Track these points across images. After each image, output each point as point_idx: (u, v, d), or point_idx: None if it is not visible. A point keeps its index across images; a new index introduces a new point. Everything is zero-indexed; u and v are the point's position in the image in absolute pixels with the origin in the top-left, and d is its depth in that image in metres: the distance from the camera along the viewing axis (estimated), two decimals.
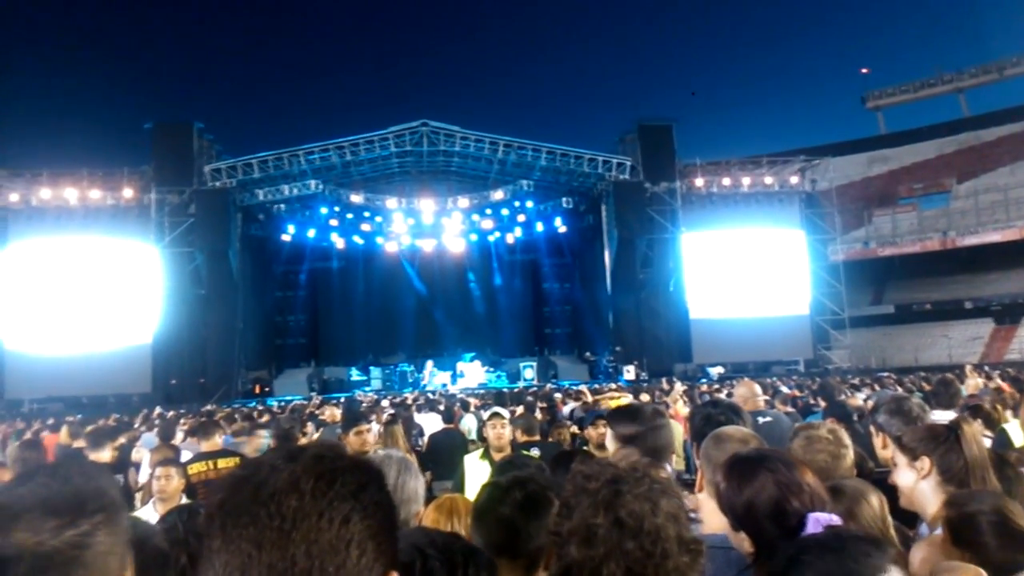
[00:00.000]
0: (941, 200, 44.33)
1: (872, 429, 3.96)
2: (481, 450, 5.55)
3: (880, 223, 43.85)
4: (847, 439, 3.40)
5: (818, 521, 1.73)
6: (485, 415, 5.98)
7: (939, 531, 2.46)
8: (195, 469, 5.73)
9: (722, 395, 11.22)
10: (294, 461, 0.93)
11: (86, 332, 27.13)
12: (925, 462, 2.57)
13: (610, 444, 3.32)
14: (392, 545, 0.96)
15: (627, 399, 8.75)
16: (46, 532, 1.07)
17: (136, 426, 11.67)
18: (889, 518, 2.57)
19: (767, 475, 1.85)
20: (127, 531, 1.20)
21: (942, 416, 4.84)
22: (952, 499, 2.30)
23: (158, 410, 16.63)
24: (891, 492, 2.68)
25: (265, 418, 11.90)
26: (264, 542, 0.86)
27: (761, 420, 4.94)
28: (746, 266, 31.25)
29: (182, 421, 11.66)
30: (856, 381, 15.37)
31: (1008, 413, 6.17)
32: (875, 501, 2.58)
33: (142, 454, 7.30)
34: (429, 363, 30.61)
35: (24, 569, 1.00)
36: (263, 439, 7.05)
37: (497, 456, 5.21)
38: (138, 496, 6.13)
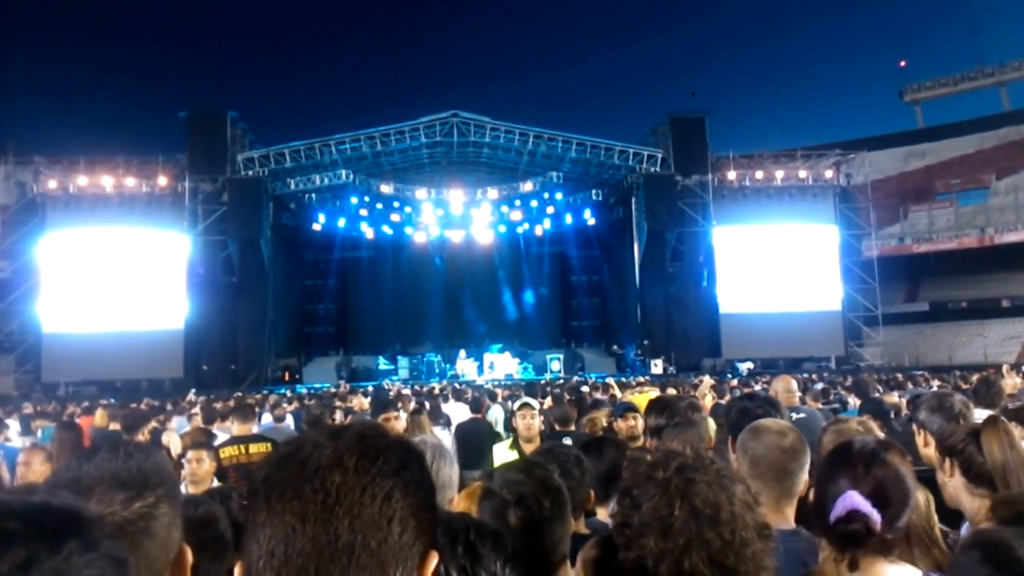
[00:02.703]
0: (980, 196, 43.39)
1: (914, 427, 3.89)
2: (510, 440, 5.53)
3: (916, 219, 43.06)
4: (878, 432, 3.36)
5: (844, 500, 1.73)
6: (514, 405, 5.96)
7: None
8: (226, 453, 5.78)
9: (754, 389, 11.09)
10: (338, 438, 0.94)
11: (120, 318, 27.65)
12: (947, 463, 2.54)
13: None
14: (432, 524, 0.97)
15: (655, 394, 8.69)
16: (117, 504, 1.13)
17: (167, 410, 11.84)
18: (935, 517, 2.52)
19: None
20: (181, 505, 1.26)
21: (985, 415, 4.74)
22: (1004, 499, 2.24)
23: (191, 395, 16.86)
24: (934, 491, 2.63)
25: (294, 405, 12.01)
26: (308, 516, 0.87)
27: (795, 416, 4.88)
28: (778, 261, 30.91)
29: (206, 405, 11.81)
30: (891, 378, 15.12)
31: None
32: (921, 499, 2.53)
33: (171, 438, 7.40)
34: (462, 352, 30.73)
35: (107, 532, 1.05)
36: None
37: (526, 446, 5.19)
38: None
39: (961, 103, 54.32)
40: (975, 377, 8.48)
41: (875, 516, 1.72)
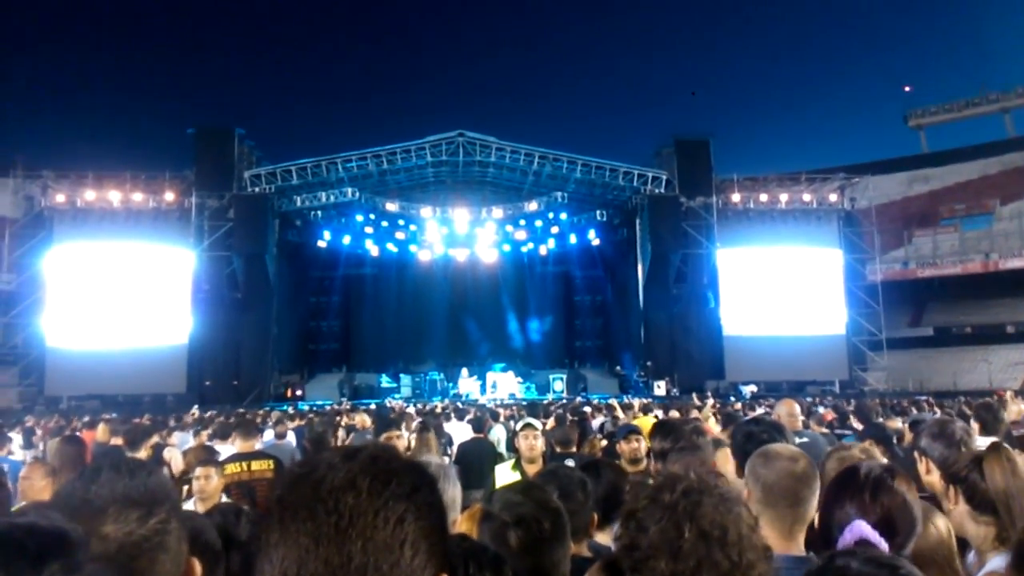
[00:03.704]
0: (984, 221, 43.38)
1: (916, 454, 3.89)
2: (513, 461, 5.51)
3: (920, 243, 43.03)
4: (881, 459, 3.35)
5: (852, 530, 1.73)
6: (517, 426, 5.95)
7: (998, 561, 2.40)
8: (229, 470, 5.75)
9: (756, 413, 11.04)
10: (351, 460, 0.95)
11: (124, 332, 27.71)
12: (951, 490, 2.55)
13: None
14: (443, 547, 0.97)
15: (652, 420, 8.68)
16: (133, 522, 1.17)
17: (170, 425, 11.83)
18: (954, 544, 2.52)
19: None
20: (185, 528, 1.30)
21: (987, 442, 4.72)
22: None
23: (195, 411, 16.85)
24: None
25: (296, 422, 11.99)
26: (322, 537, 0.88)
27: (798, 440, 4.87)
28: (782, 284, 30.88)
29: (217, 421, 11.79)
30: (895, 403, 15.06)
31: None
32: (942, 524, 2.53)
33: (172, 454, 7.39)
34: (464, 371, 30.68)
35: (114, 554, 1.08)
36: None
37: (529, 467, 5.17)
38: None
39: (965, 129, 54.51)
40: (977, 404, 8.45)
41: (883, 546, 1.72)
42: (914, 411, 12.25)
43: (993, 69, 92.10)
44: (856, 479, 1.96)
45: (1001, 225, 42.16)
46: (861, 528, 1.76)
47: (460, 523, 2.65)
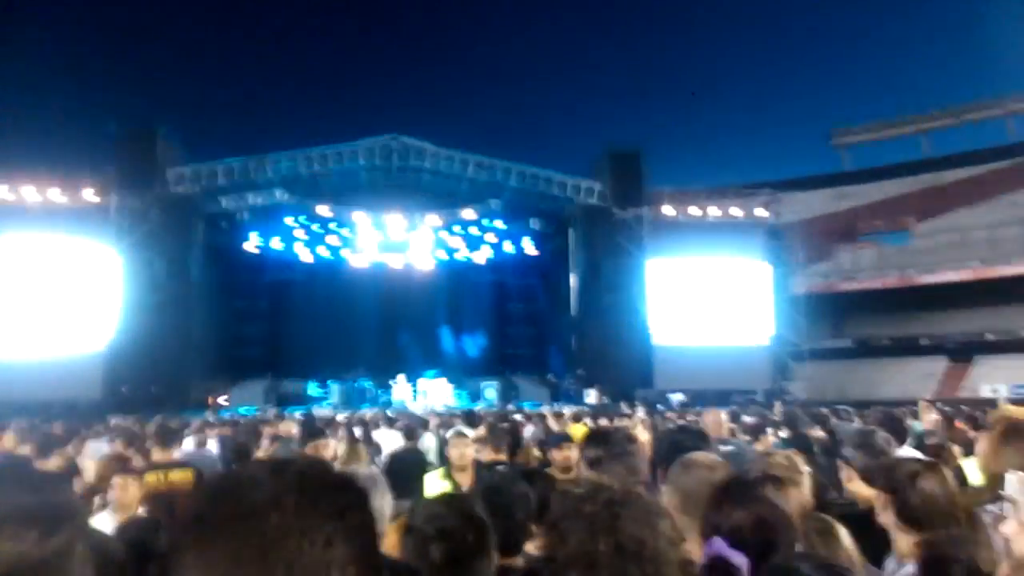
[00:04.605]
0: (901, 238, 45.34)
1: (839, 463, 3.97)
2: (442, 470, 5.42)
3: (842, 258, 44.67)
4: (803, 466, 3.43)
5: (712, 545, 1.74)
6: (448, 434, 5.87)
7: (908, 568, 2.45)
8: (146, 480, 5.51)
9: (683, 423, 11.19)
10: (278, 475, 0.88)
11: (35, 334, 26.37)
12: (883, 499, 2.62)
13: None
14: (374, 570, 0.91)
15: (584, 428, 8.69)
16: (30, 542, 1.08)
17: (81, 433, 11.30)
18: (855, 555, 2.55)
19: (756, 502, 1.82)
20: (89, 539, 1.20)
21: (907, 452, 4.88)
22: (929, 541, 2.29)
23: (122, 420, 16.18)
24: (858, 526, 2.67)
25: (218, 430, 11.61)
26: (243, 559, 0.80)
27: (723, 449, 4.95)
28: (710, 294, 31.51)
29: (132, 429, 11.31)
30: (816, 412, 15.49)
31: (957, 449, 6.28)
32: (843, 536, 2.56)
33: (85, 463, 7.05)
34: (400, 376, 30.15)
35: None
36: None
37: (459, 476, 5.10)
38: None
39: (885, 149, 56.93)
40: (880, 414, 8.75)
41: (737, 561, 1.71)
42: (834, 420, 12.61)
43: (912, 92, 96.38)
44: (724, 490, 1.96)
45: (917, 242, 44.07)
46: (716, 545, 1.76)
47: (388, 534, 2.58)
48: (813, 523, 2.57)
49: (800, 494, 3.22)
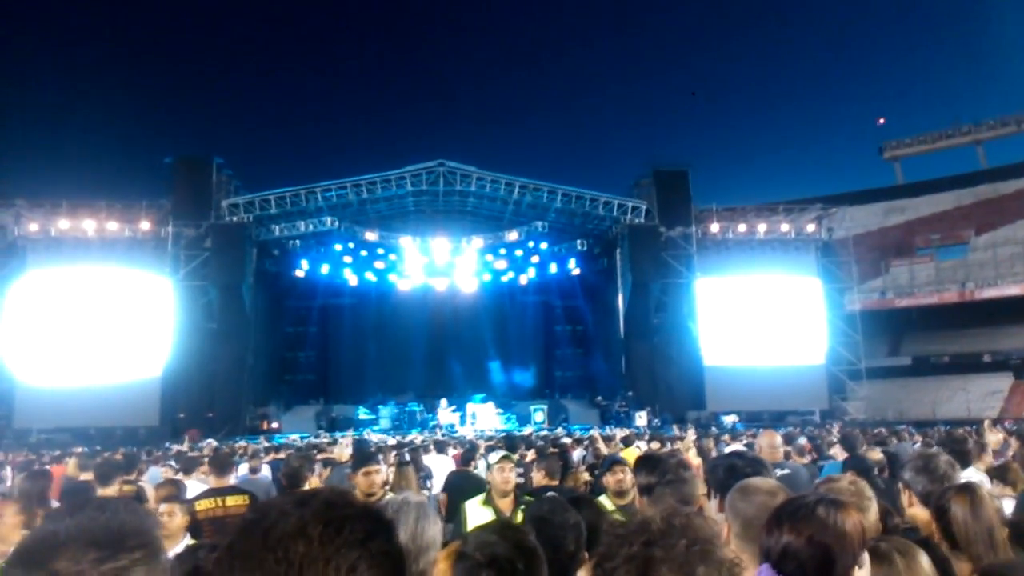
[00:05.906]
0: (959, 251, 44.05)
1: (900, 486, 3.85)
2: (482, 496, 5.27)
3: (897, 273, 43.57)
4: (869, 491, 3.32)
5: (760, 574, 1.70)
6: (492, 458, 5.79)
7: None
8: (203, 506, 5.60)
9: (738, 445, 10.97)
10: (303, 506, 0.92)
11: (97, 363, 27.16)
12: (932, 523, 2.57)
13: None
14: None
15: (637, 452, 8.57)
16: (86, 563, 1.10)
17: (142, 460, 11.57)
18: None
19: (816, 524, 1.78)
20: (166, 572, 1.23)
21: (972, 475, 4.71)
22: (987, 569, 2.22)
23: (176, 447, 16.51)
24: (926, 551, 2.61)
25: (271, 455, 11.77)
26: None
27: (779, 472, 4.83)
28: (762, 314, 31.04)
29: (187, 456, 11.54)
30: (875, 432, 15.07)
31: None
32: (924, 562, 2.48)
33: (146, 489, 7.19)
34: (443, 402, 30.36)
35: None
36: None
37: (501, 501, 4.98)
38: None
39: (939, 160, 55.60)
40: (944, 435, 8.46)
41: None
42: (894, 441, 12.25)
43: (966, 102, 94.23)
44: (776, 514, 1.92)
45: (976, 255, 42.80)
46: (765, 572, 1.72)
47: (439, 562, 2.57)
48: (896, 544, 2.50)
49: (865, 519, 3.12)
